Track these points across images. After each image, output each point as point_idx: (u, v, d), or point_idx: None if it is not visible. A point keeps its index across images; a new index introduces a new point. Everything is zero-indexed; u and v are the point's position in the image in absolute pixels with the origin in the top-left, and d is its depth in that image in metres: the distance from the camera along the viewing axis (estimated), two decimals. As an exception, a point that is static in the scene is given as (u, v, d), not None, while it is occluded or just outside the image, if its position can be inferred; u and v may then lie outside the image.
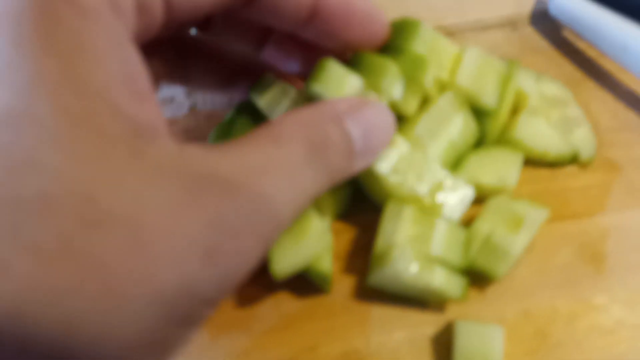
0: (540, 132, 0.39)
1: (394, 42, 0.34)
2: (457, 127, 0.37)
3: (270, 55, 0.37)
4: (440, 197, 0.34)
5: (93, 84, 0.19)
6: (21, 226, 0.16)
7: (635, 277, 0.35)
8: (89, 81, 0.19)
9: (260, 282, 0.37)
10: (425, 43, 0.35)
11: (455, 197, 0.34)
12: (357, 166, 0.28)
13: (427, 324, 0.35)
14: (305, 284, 0.36)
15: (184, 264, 0.18)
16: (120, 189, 0.18)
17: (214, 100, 0.46)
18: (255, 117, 0.37)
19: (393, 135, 0.32)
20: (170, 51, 0.34)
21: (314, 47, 0.34)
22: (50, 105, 0.17)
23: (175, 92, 0.47)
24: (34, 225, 0.16)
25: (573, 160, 0.40)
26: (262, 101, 0.34)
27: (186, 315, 0.20)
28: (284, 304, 0.36)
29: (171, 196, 0.18)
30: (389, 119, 0.30)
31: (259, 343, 0.35)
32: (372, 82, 0.32)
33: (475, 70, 0.37)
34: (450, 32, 0.49)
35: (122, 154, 0.18)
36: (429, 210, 0.34)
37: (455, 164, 0.37)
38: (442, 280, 0.33)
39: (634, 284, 0.35)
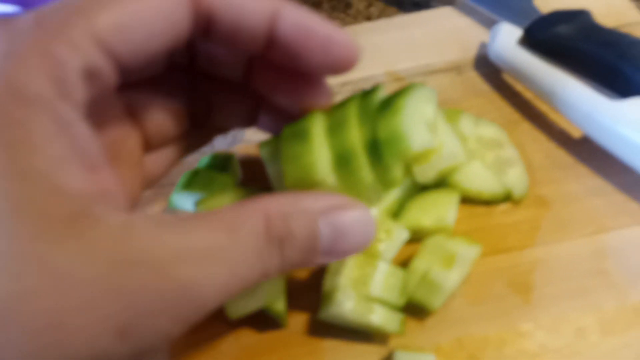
0: (475, 174, 0.43)
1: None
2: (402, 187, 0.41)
3: (264, 124, 0.37)
4: (380, 242, 0.38)
5: (35, 169, 0.20)
6: None
7: (558, 305, 0.39)
8: (30, 167, 0.20)
9: (221, 319, 0.40)
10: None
11: (390, 241, 0.38)
12: (320, 262, 0.27)
13: (371, 354, 0.38)
14: (264, 319, 0.40)
15: (97, 339, 0.20)
16: (47, 268, 0.20)
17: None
18: (223, 168, 0.41)
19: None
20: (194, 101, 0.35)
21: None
22: None
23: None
24: None
25: (507, 198, 0.44)
26: (263, 151, 0.36)
27: None
28: (244, 338, 0.40)
29: (95, 277, 0.20)
30: (369, 227, 0.29)
31: (221, 376, 0.39)
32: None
33: None
34: (400, 77, 0.53)
35: (57, 235, 0.20)
36: (371, 253, 0.38)
37: (396, 212, 0.41)
38: (381, 318, 0.37)
39: (556, 311, 0.39)
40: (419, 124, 0.32)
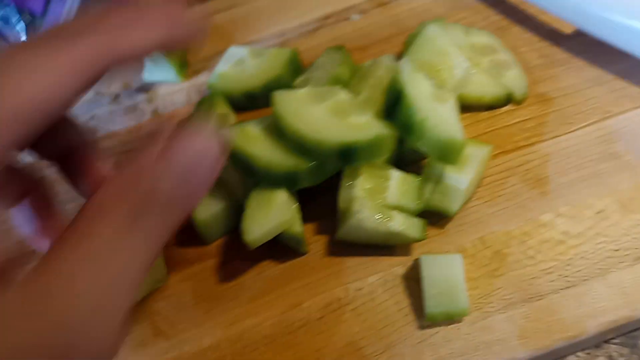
0: (473, 80, 0.43)
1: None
2: None
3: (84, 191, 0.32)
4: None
5: None
6: None
7: (576, 193, 0.39)
8: None
9: (243, 256, 0.40)
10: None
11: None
12: (182, 212, 0.25)
13: (397, 266, 0.38)
14: (284, 250, 0.39)
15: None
16: None
17: (174, 102, 0.49)
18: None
19: None
20: None
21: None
22: None
23: (137, 99, 0.50)
24: None
25: (508, 99, 0.43)
26: None
27: None
28: (266, 271, 0.40)
29: None
30: (211, 152, 0.26)
31: (248, 309, 0.38)
32: None
33: None
34: (383, 2, 0.52)
35: None
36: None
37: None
38: (401, 224, 0.36)
39: (574, 198, 0.39)
40: (445, 124, 0.37)
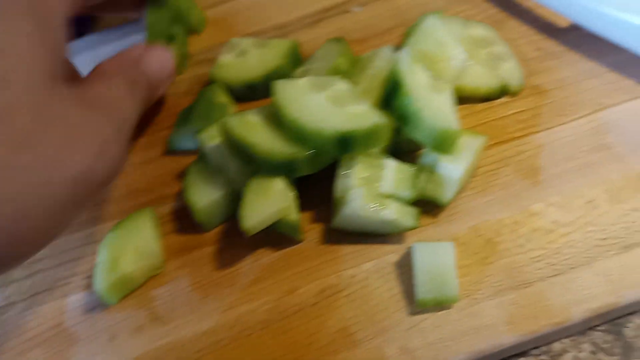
0: (470, 72, 0.44)
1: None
2: None
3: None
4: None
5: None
6: None
7: (566, 183, 0.40)
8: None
9: (239, 243, 0.41)
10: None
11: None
12: (156, 92, 0.44)
13: (390, 253, 0.39)
14: (280, 238, 0.40)
15: (85, 159, 0.32)
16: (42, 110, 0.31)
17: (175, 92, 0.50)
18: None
19: None
20: None
21: None
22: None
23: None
24: None
25: (504, 91, 0.44)
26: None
27: (85, 198, 0.33)
28: (263, 257, 0.41)
29: (70, 119, 0.32)
30: (168, 57, 0.45)
31: (245, 295, 0.39)
32: None
33: None
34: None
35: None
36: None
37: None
38: (395, 212, 0.37)
39: (565, 188, 0.39)
40: (441, 114, 0.38)
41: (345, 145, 0.37)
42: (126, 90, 0.38)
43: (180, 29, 0.50)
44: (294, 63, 0.47)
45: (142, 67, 0.42)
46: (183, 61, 0.51)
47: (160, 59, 0.43)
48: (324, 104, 0.38)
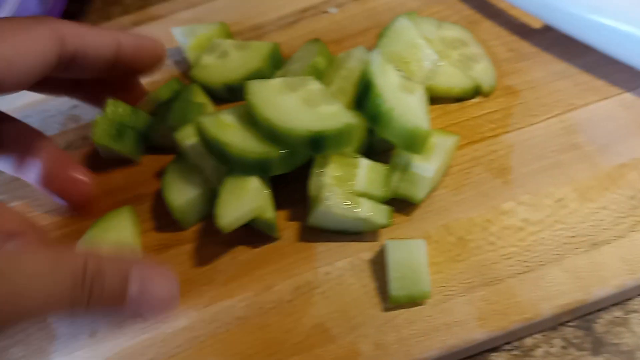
0: (443, 72, 0.44)
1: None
2: None
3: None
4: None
5: None
6: None
7: (536, 182, 0.41)
8: None
9: (216, 240, 0.41)
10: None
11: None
12: (129, 309, 0.32)
13: (364, 251, 0.40)
14: (257, 236, 0.41)
15: None
16: None
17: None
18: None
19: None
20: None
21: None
22: None
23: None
24: None
25: (476, 92, 0.45)
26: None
27: None
28: (240, 255, 0.41)
29: None
30: (173, 287, 0.34)
31: (222, 292, 0.40)
32: None
33: None
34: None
35: None
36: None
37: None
38: (369, 211, 0.38)
39: (535, 187, 0.40)
40: (411, 114, 0.39)
41: (318, 145, 0.38)
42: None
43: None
44: (275, 65, 0.48)
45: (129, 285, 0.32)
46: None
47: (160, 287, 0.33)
48: (297, 104, 0.39)
